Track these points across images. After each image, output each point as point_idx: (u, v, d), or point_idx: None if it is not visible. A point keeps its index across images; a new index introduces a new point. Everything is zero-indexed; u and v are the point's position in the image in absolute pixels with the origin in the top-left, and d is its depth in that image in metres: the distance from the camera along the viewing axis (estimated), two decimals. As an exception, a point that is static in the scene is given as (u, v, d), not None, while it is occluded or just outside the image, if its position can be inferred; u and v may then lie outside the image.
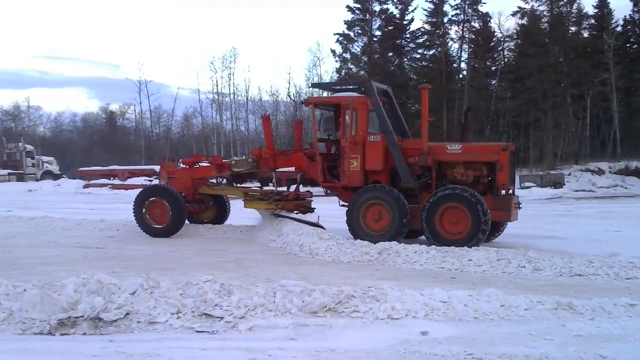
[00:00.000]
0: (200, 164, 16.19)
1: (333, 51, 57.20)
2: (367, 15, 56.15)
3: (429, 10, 54.84)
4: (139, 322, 6.24)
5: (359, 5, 55.81)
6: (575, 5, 53.35)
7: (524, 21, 53.97)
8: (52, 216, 18.73)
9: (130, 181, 41.02)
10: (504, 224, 13.76)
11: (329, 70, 70.23)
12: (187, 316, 6.38)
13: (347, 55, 56.78)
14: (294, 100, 59.86)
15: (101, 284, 6.73)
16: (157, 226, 14.86)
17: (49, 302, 6.33)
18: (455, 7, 54.37)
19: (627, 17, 53.84)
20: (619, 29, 53.03)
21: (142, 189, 16.62)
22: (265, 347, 5.67)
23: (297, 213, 14.36)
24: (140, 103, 68.92)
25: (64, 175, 51.27)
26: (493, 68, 55.95)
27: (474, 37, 55.03)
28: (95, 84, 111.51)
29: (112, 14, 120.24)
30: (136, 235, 14.90)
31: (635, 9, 53.47)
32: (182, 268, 10.17)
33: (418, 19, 77.85)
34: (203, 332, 6.13)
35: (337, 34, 56.39)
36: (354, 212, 13.29)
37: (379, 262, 11.05)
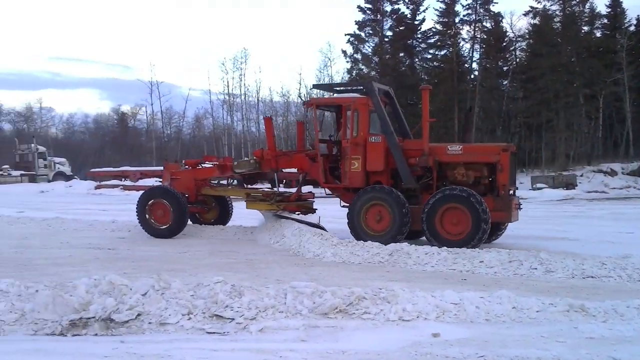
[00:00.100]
0: (204, 165, 16.30)
1: (344, 52, 57.19)
2: (378, 16, 56.05)
3: (440, 10, 54.68)
4: (150, 323, 6.26)
5: (370, 6, 55.71)
6: (588, 4, 53.09)
7: (536, 21, 53.71)
8: (64, 217, 18.83)
9: (141, 182, 41.17)
10: (504, 224, 13.73)
11: (340, 70, 70.19)
12: (198, 317, 6.39)
13: (358, 56, 56.71)
14: (304, 101, 59.77)
15: (113, 284, 6.75)
16: (160, 227, 14.95)
17: (61, 302, 6.35)
18: (467, 7, 54.15)
19: (640, 16, 53.52)
20: (632, 28, 52.55)
21: (144, 190, 16.72)
22: (276, 348, 5.67)
23: (298, 214, 14.40)
24: (152, 104, 69.12)
25: (75, 177, 51.57)
26: (505, 68, 55.69)
27: (485, 37, 54.75)
28: (107, 85, 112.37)
29: (124, 15, 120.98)
30: (147, 236, 14.95)
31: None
32: (193, 269, 10.19)
33: (429, 19, 78.08)
34: (214, 333, 6.14)
35: (348, 34, 56.38)
36: (355, 212, 13.34)
37: (390, 264, 11.02)
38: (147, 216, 15.01)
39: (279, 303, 6.74)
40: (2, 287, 6.73)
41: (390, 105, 14.82)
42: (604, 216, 21.54)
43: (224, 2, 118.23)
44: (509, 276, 9.94)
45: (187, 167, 16.42)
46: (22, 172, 49.37)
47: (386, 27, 56.50)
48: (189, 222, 16.02)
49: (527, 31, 54.78)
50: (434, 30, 55.65)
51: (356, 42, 56.31)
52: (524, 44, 55.74)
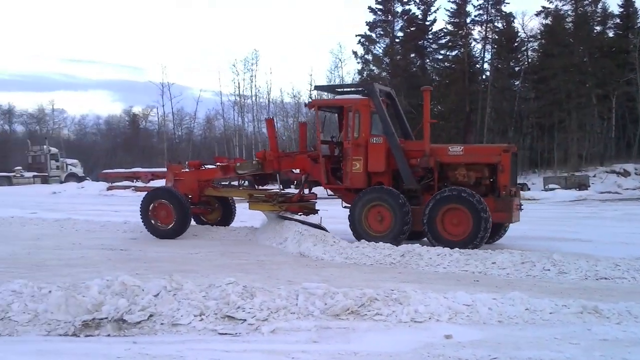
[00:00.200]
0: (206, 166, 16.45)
1: (355, 53, 57.19)
2: (389, 17, 56.00)
3: (451, 10, 54.60)
4: (162, 324, 6.27)
5: (380, 7, 55.70)
6: (600, 4, 52.84)
7: (548, 21, 53.49)
8: (76, 218, 18.93)
9: (153, 183, 41.29)
10: (506, 225, 13.70)
11: (350, 71, 70.34)
12: (210, 318, 6.39)
13: (369, 57, 56.69)
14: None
15: (125, 285, 6.76)
16: (163, 228, 15.05)
17: (74, 303, 6.37)
18: (478, 7, 54.04)
19: (653, 16, 53.15)
20: (644, 28, 52.32)
21: (147, 192, 16.88)
22: (288, 349, 5.66)
23: (300, 215, 14.44)
24: (163, 105, 69.46)
25: (87, 178, 51.91)
26: (517, 69, 55.46)
27: (497, 37, 54.56)
28: (119, 86, 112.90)
29: (135, 16, 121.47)
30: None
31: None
32: (204, 270, 10.21)
33: (440, 20, 77.94)
34: (226, 334, 6.14)
35: (359, 35, 56.44)
36: (357, 213, 13.40)
37: (402, 265, 11.00)
38: (150, 217, 15.14)
39: (290, 304, 6.73)
40: (16, 288, 6.76)
41: (392, 106, 14.90)
42: (617, 217, 21.42)
43: (234, 4, 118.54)
44: (522, 277, 9.89)
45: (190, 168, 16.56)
46: (35, 173, 49.79)
47: (397, 27, 56.55)
48: (196, 223, 16.28)
49: (539, 31, 54.66)
50: (445, 30, 55.63)
51: (367, 43, 56.33)
52: (535, 44, 55.57)
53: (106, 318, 6.25)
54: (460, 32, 54.81)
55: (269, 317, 6.44)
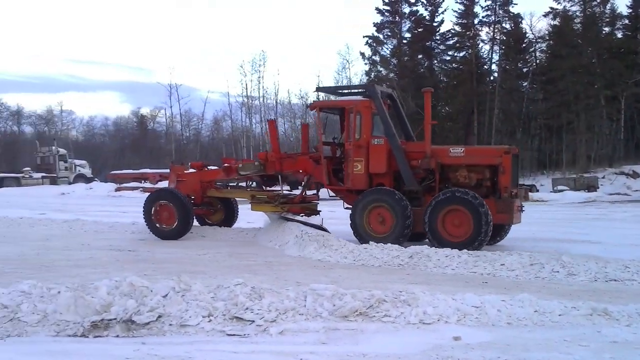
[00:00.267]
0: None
1: (362, 54, 57.11)
2: (397, 18, 55.94)
3: (459, 11, 54.46)
4: (170, 324, 6.27)
5: (388, 8, 55.64)
6: (609, 5, 52.60)
7: (556, 22, 53.29)
8: (85, 219, 19.02)
9: (161, 184, 41.38)
10: (507, 226, 13.68)
11: (358, 73, 70.43)
12: (218, 319, 6.39)
13: (377, 58, 56.63)
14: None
15: (133, 286, 6.77)
16: (166, 229, 15.13)
17: (83, 304, 6.39)
18: (486, 8, 53.86)
19: (662, 17, 52.89)
20: (653, 29, 52.09)
21: (150, 192, 16.99)
22: (296, 350, 5.66)
23: (302, 216, 14.46)
24: (171, 107, 69.68)
25: (96, 179, 52.05)
26: (525, 70, 55.27)
27: (505, 38, 54.40)
28: (127, 88, 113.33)
29: (143, 17, 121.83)
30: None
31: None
32: (213, 271, 10.22)
33: (448, 21, 77.62)
34: (234, 335, 6.14)
35: (367, 36, 56.40)
36: (358, 214, 13.47)
37: (410, 266, 10.97)
38: (153, 218, 15.23)
39: (299, 305, 6.72)
40: (25, 289, 6.77)
41: (394, 108, 14.97)
42: (626, 219, 21.32)
43: (242, 5, 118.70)
44: (531, 279, 9.86)
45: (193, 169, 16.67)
46: (43, 174, 49.95)
47: (405, 29, 56.44)
48: (199, 224, 16.43)
49: (547, 32, 54.46)
50: (452, 31, 55.50)
51: (374, 44, 56.27)
52: (544, 45, 55.41)
53: (115, 319, 6.26)
54: (468, 33, 54.67)
55: (277, 318, 6.44)
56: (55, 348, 5.76)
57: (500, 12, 53.80)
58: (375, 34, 56.23)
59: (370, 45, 56.31)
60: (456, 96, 51.09)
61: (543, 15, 54.29)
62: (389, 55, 56.67)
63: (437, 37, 56.01)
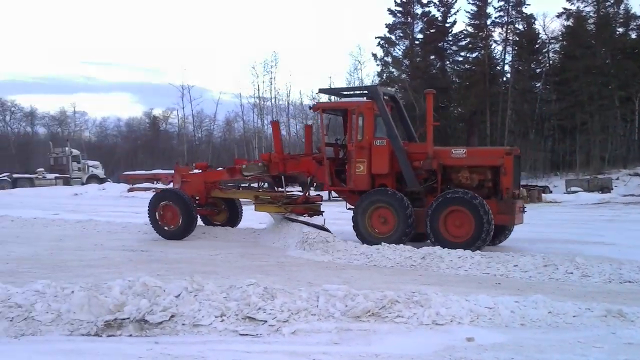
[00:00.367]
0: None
1: (374, 55, 57.21)
2: (409, 18, 55.92)
3: (471, 12, 54.41)
4: (183, 324, 6.28)
5: (400, 9, 55.63)
6: (623, 5, 52.28)
7: (570, 22, 53.05)
8: (98, 219, 19.10)
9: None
10: (509, 228, 13.65)
11: (370, 74, 70.20)
12: (231, 319, 6.40)
13: (389, 59, 56.65)
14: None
15: (146, 286, 6.79)
16: (170, 229, 15.22)
17: (96, 303, 6.41)
18: (499, 9, 53.79)
19: (677, 17, 52.44)
20: (668, 29, 51.69)
21: (154, 193, 17.10)
22: (309, 351, 5.65)
23: (305, 216, 14.50)
24: (183, 108, 70.07)
25: (108, 179, 52.35)
26: (538, 70, 55.10)
27: (518, 39, 54.25)
28: (139, 89, 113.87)
29: (156, 19, 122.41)
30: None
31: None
32: (225, 271, 10.23)
33: (460, 22, 77.40)
34: (247, 335, 6.14)
35: (379, 37, 56.41)
36: (360, 215, 13.53)
37: (422, 267, 10.95)
38: (157, 218, 15.32)
39: (311, 306, 6.72)
40: (39, 288, 6.81)
41: (396, 109, 15.06)
42: (640, 220, 21.15)
43: (253, 6, 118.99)
44: (544, 280, 9.80)
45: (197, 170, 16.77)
46: (57, 175, 50.31)
47: (417, 29, 56.48)
48: (204, 224, 16.58)
49: (560, 33, 54.20)
50: (465, 32, 55.45)
51: (386, 45, 56.27)
52: (557, 46, 55.20)
53: (128, 318, 6.28)
54: (480, 34, 54.54)
55: (289, 318, 6.44)
56: (69, 347, 5.79)
57: (513, 12, 53.75)
58: (388, 35, 56.28)
59: (382, 46, 56.38)
60: (469, 97, 50.95)
61: (556, 16, 54.21)
62: (401, 56, 56.66)
63: (450, 38, 55.96)
